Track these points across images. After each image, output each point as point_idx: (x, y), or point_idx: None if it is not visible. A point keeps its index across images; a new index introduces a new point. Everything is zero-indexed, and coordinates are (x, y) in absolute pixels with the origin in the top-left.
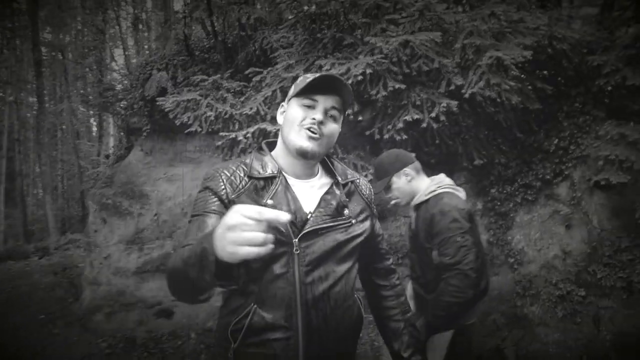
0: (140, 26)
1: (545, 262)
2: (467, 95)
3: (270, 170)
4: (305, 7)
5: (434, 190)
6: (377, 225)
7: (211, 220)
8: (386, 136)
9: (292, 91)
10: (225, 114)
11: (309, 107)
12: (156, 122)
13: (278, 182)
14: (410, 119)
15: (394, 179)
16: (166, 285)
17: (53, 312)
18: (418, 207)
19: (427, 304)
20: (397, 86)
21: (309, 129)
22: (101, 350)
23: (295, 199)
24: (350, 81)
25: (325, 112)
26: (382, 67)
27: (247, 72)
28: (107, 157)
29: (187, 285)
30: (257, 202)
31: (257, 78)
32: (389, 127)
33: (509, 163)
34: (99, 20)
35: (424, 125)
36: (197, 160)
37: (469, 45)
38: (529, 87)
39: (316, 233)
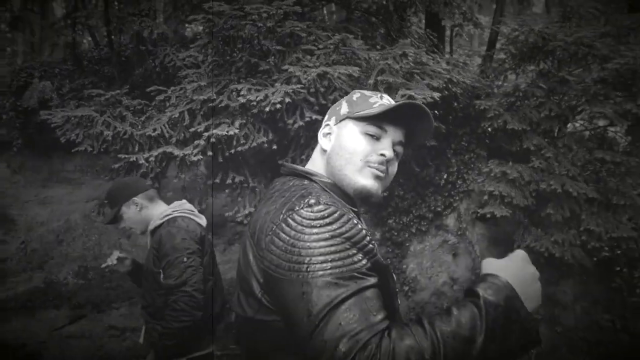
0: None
1: (435, 289)
2: None
3: (348, 200)
4: (223, 29)
5: (169, 214)
6: None
7: (372, 287)
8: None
9: (347, 110)
10: (125, 133)
11: (374, 136)
12: (30, 137)
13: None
14: None
15: (124, 208)
16: (32, 325)
17: None
18: (153, 232)
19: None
20: (314, 117)
21: (376, 167)
22: None
23: None
24: (268, 109)
25: (393, 146)
26: (299, 96)
27: (149, 89)
28: None
29: None
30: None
31: (161, 97)
32: (303, 157)
33: (405, 195)
34: None
35: None
36: (77, 182)
37: (381, 82)
38: None
39: None
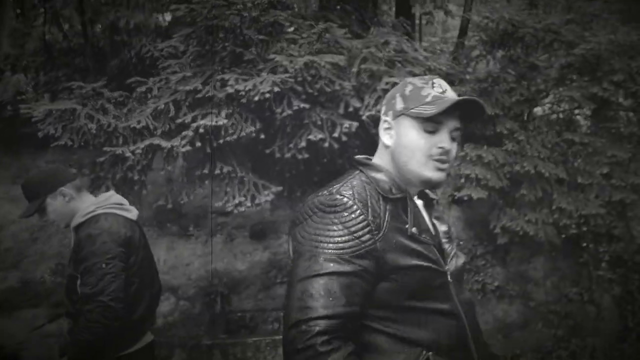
0: None
1: None
2: (364, 118)
3: (397, 188)
4: (206, 19)
5: (93, 211)
6: None
7: (345, 283)
8: (287, 155)
9: (403, 106)
10: (109, 126)
11: (432, 131)
12: None
13: (411, 203)
14: (314, 138)
15: (49, 200)
16: (9, 327)
17: None
18: (77, 230)
19: None
20: (301, 105)
21: (438, 159)
22: None
23: (427, 222)
24: (256, 98)
25: (450, 134)
26: (286, 85)
27: (129, 81)
28: None
29: None
30: (402, 232)
31: (142, 88)
32: (290, 145)
33: None
34: None
35: (326, 145)
36: None
37: (364, 70)
38: None
39: (451, 258)
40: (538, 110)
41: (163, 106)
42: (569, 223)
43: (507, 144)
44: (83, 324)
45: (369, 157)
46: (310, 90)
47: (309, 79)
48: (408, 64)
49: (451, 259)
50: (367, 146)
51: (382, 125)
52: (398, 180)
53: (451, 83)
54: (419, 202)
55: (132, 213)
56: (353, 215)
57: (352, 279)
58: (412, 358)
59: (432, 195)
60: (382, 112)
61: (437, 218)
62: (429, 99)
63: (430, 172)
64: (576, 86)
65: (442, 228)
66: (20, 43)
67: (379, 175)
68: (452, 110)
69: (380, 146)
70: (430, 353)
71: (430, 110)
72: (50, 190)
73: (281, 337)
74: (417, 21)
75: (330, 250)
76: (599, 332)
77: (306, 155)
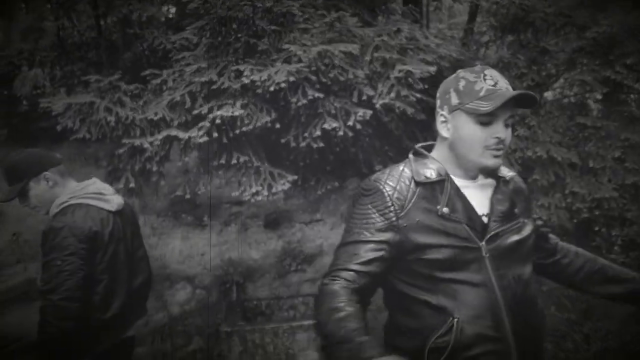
0: None
1: None
2: (377, 106)
3: (437, 173)
4: (219, 10)
5: (66, 202)
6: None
7: (367, 248)
8: (302, 144)
9: (457, 101)
10: (127, 118)
11: (487, 123)
12: (14, 127)
13: (448, 186)
14: (329, 127)
15: (32, 184)
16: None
17: None
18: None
19: None
20: (316, 95)
21: (494, 149)
22: None
23: (468, 203)
24: (272, 88)
25: (504, 123)
26: (301, 75)
27: (144, 73)
28: None
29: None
30: (430, 212)
31: (157, 81)
32: (305, 134)
33: None
34: None
35: (340, 133)
36: None
37: (376, 58)
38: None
39: (497, 236)
40: (549, 94)
41: (179, 98)
42: (582, 207)
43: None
44: (39, 322)
45: (432, 143)
46: (324, 80)
47: (323, 68)
48: (420, 52)
49: (491, 236)
50: (380, 134)
51: (439, 119)
52: (444, 166)
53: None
54: (469, 183)
55: (111, 204)
56: (380, 197)
57: (373, 246)
58: (438, 325)
59: (505, 173)
60: (437, 105)
61: (499, 199)
62: (482, 93)
63: (488, 161)
64: (588, 70)
65: (499, 207)
66: (34, 38)
67: (420, 162)
68: (506, 104)
69: (437, 140)
70: (457, 319)
71: (486, 107)
72: (35, 173)
73: (298, 323)
74: (424, 8)
75: (360, 225)
76: (612, 315)
77: (321, 144)
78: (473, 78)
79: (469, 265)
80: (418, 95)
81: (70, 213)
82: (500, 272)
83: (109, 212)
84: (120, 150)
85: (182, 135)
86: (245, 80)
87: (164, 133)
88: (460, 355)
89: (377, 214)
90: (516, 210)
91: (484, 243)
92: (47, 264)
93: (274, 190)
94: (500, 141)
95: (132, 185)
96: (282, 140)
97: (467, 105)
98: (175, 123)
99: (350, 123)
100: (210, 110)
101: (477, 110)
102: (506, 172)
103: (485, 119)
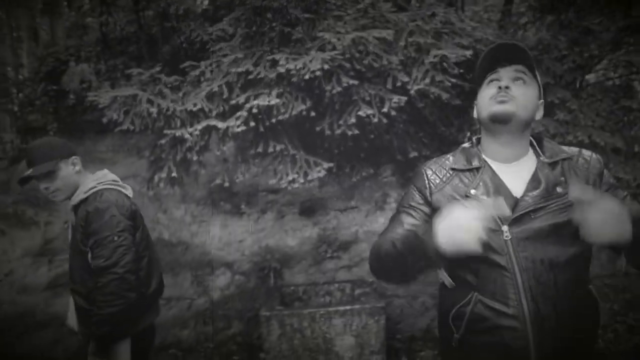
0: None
1: None
2: (412, 92)
3: (475, 162)
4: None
5: (94, 187)
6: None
7: (408, 218)
8: (338, 131)
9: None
10: (167, 110)
11: (494, 81)
12: (63, 120)
13: (482, 171)
14: (364, 114)
15: (62, 165)
16: None
17: None
18: (77, 207)
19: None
20: (350, 82)
21: (496, 95)
22: None
23: (501, 186)
24: (307, 77)
25: (512, 80)
26: (335, 63)
27: (182, 65)
28: None
29: (398, 271)
30: (460, 193)
31: (195, 72)
32: (340, 122)
33: (430, 155)
34: None
35: (375, 120)
36: (110, 161)
37: (410, 43)
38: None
39: (529, 216)
40: (591, 77)
41: (216, 88)
42: (626, 193)
43: (559, 114)
44: (100, 299)
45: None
46: (358, 67)
47: (357, 55)
48: (455, 36)
49: (518, 218)
50: (414, 120)
51: (475, 110)
52: (485, 152)
53: None
54: (506, 168)
55: (128, 190)
56: (420, 178)
57: (412, 214)
58: (463, 296)
59: (556, 152)
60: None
61: (536, 179)
62: (480, 60)
63: (494, 107)
64: (634, 50)
65: (532, 189)
66: (78, 34)
67: (466, 151)
68: (506, 60)
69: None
70: (475, 294)
71: (481, 63)
72: (66, 155)
73: (334, 308)
74: None
75: (405, 200)
76: None
77: (356, 132)
78: (482, 55)
79: (489, 246)
80: (453, 80)
81: (108, 194)
82: (526, 254)
83: (129, 197)
84: (162, 141)
85: (220, 125)
86: (281, 69)
87: (203, 123)
88: (477, 325)
89: (416, 191)
90: (559, 189)
91: (506, 226)
92: (102, 241)
93: (309, 177)
94: (502, 88)
95: (174, 174)
96: (317, 128)
97: (478, 74)
98: (214, 113)
99: (384, 110)
100: (247, 100)
101: (477, 75)
102: (556, 154)
103: (491, 76)
